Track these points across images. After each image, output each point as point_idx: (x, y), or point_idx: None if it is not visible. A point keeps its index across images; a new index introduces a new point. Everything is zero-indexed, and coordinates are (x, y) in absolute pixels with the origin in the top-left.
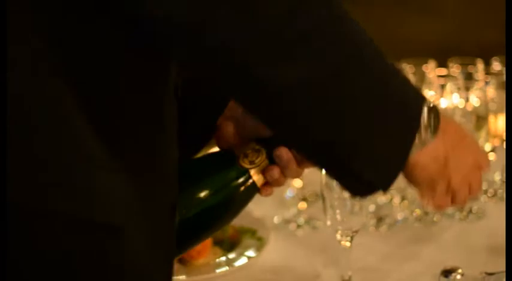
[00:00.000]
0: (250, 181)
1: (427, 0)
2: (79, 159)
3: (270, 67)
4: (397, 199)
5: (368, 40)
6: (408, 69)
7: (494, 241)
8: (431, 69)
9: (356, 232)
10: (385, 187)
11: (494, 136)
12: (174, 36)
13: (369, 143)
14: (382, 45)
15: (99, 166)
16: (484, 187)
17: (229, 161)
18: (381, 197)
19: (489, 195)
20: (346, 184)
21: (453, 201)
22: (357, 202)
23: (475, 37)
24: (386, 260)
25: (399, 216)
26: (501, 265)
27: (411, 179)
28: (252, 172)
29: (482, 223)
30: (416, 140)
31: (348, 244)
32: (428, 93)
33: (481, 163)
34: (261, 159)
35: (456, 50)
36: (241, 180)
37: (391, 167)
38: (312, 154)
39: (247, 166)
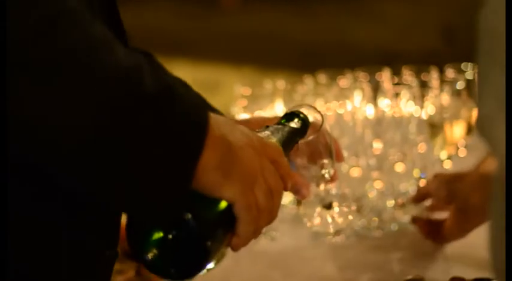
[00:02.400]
0: None
1: (370, 7)
2: None
3: None
4: (355, 209)
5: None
6: (362, 78)
7: (456, 248)
8: (386, 78)
9: None
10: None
11: (450, 144)
12: None
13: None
14: (329, 52)
15: None
16: None
17: None
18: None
19: None
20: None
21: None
22: None
23: (417, 43)
24: (346, 270)
25: (357, 225)
26: (463, 272)
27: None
28: None
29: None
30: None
31: None
32: (384, 102)
33: (261, 149)
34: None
35: (399, 56)
36: None
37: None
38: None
39: None
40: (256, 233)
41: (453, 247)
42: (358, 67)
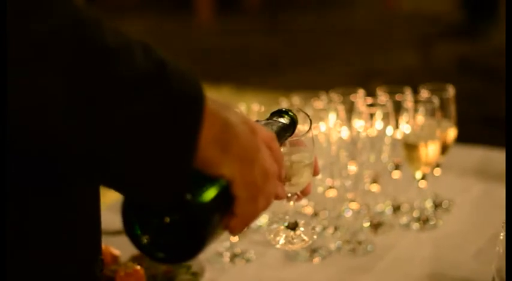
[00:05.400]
0: None
1: (345, 22)
2: None
3: None
4: (331, 230)
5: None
6: (337, 99)
7: (430, 269)
8: (360, 99)
9: None
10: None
11: (425, 164)
12: None
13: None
14: (305, 68)
15: None
16: (416, 214)
17: None
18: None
19: (421, 223)
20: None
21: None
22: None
23: (393, 61)
24: None
25: (332, 246)
26: None
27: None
28: None
29: (417, 251)
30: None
31: None
32: (358, 123)
33: (263, 137)
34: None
35: (375, 72)
36: None
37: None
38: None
39: None
40: (254, 215)
41: (431, 268)
42: (333, 86)
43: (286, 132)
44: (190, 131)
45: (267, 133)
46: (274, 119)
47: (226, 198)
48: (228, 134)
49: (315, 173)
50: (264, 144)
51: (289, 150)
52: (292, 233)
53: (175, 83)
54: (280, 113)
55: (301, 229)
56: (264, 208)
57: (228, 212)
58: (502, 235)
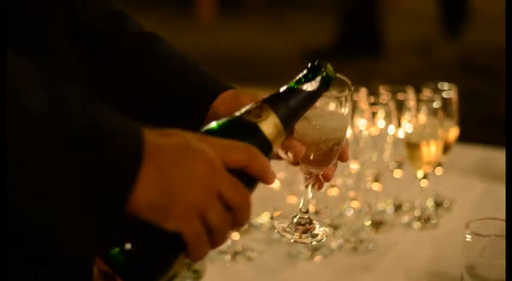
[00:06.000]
0: (261, 134)
1: None
2: None
3: None
4: (332, 228)
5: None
6: None
7: (431, 268)
8: (363, 98)
9: None
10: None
11: (427, 163)
12: None
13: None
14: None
15: None
16: (417, 213)
17: (234, 122)
18: None
19: (423, 222)
20: None
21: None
22: None
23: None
24: None
25: (334, 245)
26: None
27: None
28: (261, 125)
29: (418, 250)
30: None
31: None
32: (360, 122)
33: (214, 171)
34: (267, 113)
35: (376, 72)
36: (251, 135)
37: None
38: None
39: (254, 119)
40: (214, 248)
41: (432, 267)
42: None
43: (310, 100)
44: (118, 195)
45: (243, 154)
46: (297, 87)
47: (176, 243)
48: (168, 197)
49: (344, 157)
50: (242, 165)
51: (316, 114)
52: (304, 227)
53: (109, 142)
54: (313, 70)
55: (316, 222)
56: (232, 232)
57: (183, 251)
58: (468, 236)
